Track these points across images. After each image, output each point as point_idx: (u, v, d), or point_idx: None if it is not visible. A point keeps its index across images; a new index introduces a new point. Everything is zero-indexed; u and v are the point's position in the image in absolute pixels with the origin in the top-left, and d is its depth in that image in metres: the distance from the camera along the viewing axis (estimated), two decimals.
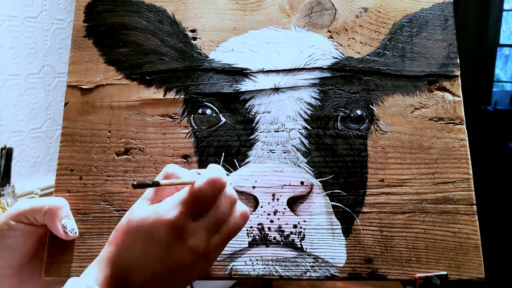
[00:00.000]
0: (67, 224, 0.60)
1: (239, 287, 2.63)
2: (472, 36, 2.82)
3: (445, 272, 0.60)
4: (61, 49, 1.97)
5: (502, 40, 3.21)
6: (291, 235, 0.62)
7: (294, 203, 0.62)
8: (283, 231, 0.62)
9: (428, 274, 0.60)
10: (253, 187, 0.63)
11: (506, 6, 3.14)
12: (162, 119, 0.66)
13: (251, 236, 0.62)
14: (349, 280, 0.62)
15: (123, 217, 0.52)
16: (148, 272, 0.50)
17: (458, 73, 0.67)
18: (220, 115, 0.66)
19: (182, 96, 0.67)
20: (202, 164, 0.64)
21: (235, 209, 0.53)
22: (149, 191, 0.54)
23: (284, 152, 0.64)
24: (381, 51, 0.67)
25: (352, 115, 0.65)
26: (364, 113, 0.65)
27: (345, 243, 0.62)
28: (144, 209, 0.51)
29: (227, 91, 0.66)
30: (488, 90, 3.10)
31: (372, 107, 0.65)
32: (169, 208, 0.50)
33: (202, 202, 0.50)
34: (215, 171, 0.52)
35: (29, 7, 1.84)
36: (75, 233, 0.61)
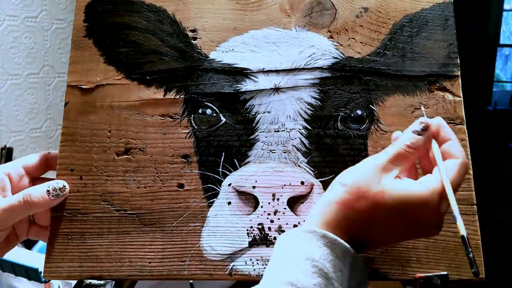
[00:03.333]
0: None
1: (239, 287, 2.62)
2: (472, 36, 2.82)
3: (445, 272, 0.60)
4: (61, 49, 1.97)
5: (502, 40, 3.22)
6: None
7: (294, 203, 0.62)
8: (284, 231, 0.61)
9: (429, 274, 0.60)
10: (253, 187, 0.62)
11: (506, 6, 3.15)
12: (162, 119, 0.66)
13: (251, 236, 0.62)
14: None
15: (359, 179, 0.51)
16: (392, 239, 0.53)
17: (459, 73, 0.67)
18: (220, 115, 0.66)
19: (182, 96, 0.67)
20: (202, 164, 0.64)
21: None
22: (383, 160, 0.52)
23: (284, 152, 0.64)
24: (382, 51, 0.67)
25: (352, 115, 0.65)
26: (365, 113, 0.65)
27: None
28: (402, 184, 0.50)
29: (227, 91, 0.66)
30: (488, 90, 3.11)
31: (372, 107, 0.65)
32: (426, 190, 0.50)
33: (456, 186, 0.51)
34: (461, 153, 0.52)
35: (29, 7, 1.84)
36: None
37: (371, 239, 0.52)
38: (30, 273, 0.90)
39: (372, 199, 0.49)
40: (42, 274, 0.91)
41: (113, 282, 0.61)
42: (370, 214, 0.49)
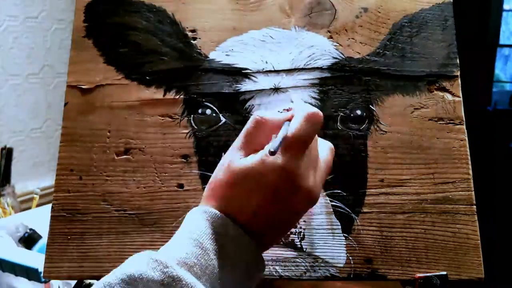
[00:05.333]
0: None
1: None
2: (472, 36, 2.82)
3: (444, 272, 0.60)
4: (61, 49, 1.97)
5: (502, 41, 3.22)
6: (291, 235, 0.61)
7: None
8: None
9: (428, 274, 0.60)
10: None
11: (506, 6, 3.15)
12: (162, 119, 0.66)
13: None
14: (349, 280, 0.62)
15: (218, 172, 0.51)
16: (261, 217, 0.49)
17: (458, 73, 0.67)
18: (220, 115, 0.66)
19: (182, 96, 0.67)
20: (202, 165, 0.64)
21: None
22: (239, 141, 0.52)
23: None
24: (381, 51, 0.67)
25: (352, 115, 0.65)
26: (364, 113, 0.65)
27: (345, 243, 0.62)
28: (248, 159, 0.49)
29: (227, 91, 0.66)
30: (488, 90, 3.11)
31: (372, 107, 0.65)
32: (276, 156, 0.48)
33: (305, 143, 0.49)
34: (307, 107, 0.50)
35: (29, 7, 1.84)
36: None
37: (254, 222, 0.50)
38: (30, 273, 0.90)
39: (223, 182, 0.50)
40: (42, 274, 0.91)
41: None
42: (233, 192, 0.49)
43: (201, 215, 0.48)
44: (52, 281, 0.95)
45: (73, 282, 0.90)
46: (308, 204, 0.51)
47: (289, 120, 0.50)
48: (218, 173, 0.51)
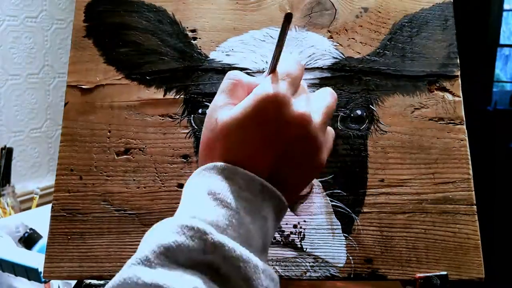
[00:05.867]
0: None
1: None
2: (472, 36, 2.82)
3: (445, 272, 0.60)
4: (61, 49, 1.97)
5: (502, 40, 3.22)
6: (291, 235, 0.61)
7: (294, 203, 0.62)
8: (283, 231, 0.61)
9: (428, 274, 0.60)
10: None
11: (506, 6, 3.15)
12: (162, 119, 0.66)
13: None
14: (349, 280, 0.62)
15: (209, 133, 0.49)
16: (266, 159, 0.47)
17: (458, 73, 0.67)
18: None
19: (182, 96, 0.67)
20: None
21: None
22: (220, 100, 0.50)
23: None
24: (381, 51, 0.67)
25: (352, 115, 0.65)
26: (364, 113, 0.65)
27: (345, 243, 0.62)
28: (237, 106, 0.47)
29: None
30: (488, 90, 3.11)
31: (372, 107, 0.65)
32: (266, 87, 0.47)
33: (295, 79, 0.49)
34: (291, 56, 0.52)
35: (29, 7, 1.84)
36: None
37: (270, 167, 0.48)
38: (30, 273, 0.90)
39: (218, 137, 0.48)
40: (42, 274, 0.92)
41: None
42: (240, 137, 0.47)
43: (213, 171, 0.45)
44: (52, 281, 0.95)
45: (73, 282, 0.90)
46: (305, 137, 0.48)
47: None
48: (210, 133, 0.49)
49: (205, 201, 0.44)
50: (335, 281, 0.66)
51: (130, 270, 0.39)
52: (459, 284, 0.61)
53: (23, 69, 1.84)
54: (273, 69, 0.48)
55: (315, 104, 0.51)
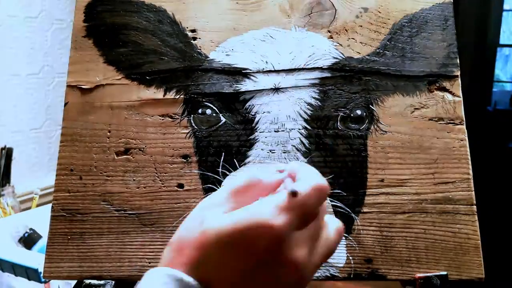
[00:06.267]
0: None
1: None
2: (472, 36, 2.82)
3: (445, 272, 0.60)
4: (61, 49, 1.97)
5: (502, 40, 3.21)
6: None
7: None
8: None
9: (428, 274, 0.60)
10: None
11: (506, 6, 3.14)
12: (162, 119, 0.66)
13: None
14: (349, 280, 0.62)
15: (188, 231, 0.41)
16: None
17: (458, 73, 0.67)
18: (220, 115, 0.66)
19: (182, 96, 0.67)
20: (202, 165, 0.64)
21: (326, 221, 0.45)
22: (219, 196, 0.43)
23: (284, 152, 0.64)
24: (381, 51, 0.67)
25: (352, 115, 0.65)
26: (364, 113, 0.65)
27: (345, 243, 0.62)
28: (233, 216, 0.40)
29: (227, 91, 0.66)
30: (488, 90, 3.10)
31: (372, 107, 0.65)
32: (270, 213, 0.39)
33: (307, 212, 0.41)
34: (316, 176, 0.42)
35: (29, 7, 1.84)
36: None
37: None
38: (30, 273, 0.90)
39: (193, 245, 0.41)
40: (42, 274, 0.92)
41: (113, 282, 0.61)
42: (203, 260, 0.40)
43: (168, 281, 0.40)
44: (52, 281, 0.95)
45: (73, 282, 0.90)
46: (293, 283, 0.41)
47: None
48: (188, 233, 0.41)
49: None
50: (335, 281, 0.66)
51: None
52: (459, 284, 0.61)
53: (23, 69, 1.83)
54: (293, 192, 0.40)
55: (318, 252, 0.43)
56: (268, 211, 0.39)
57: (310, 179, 0.41)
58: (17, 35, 1.80)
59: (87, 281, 0.61)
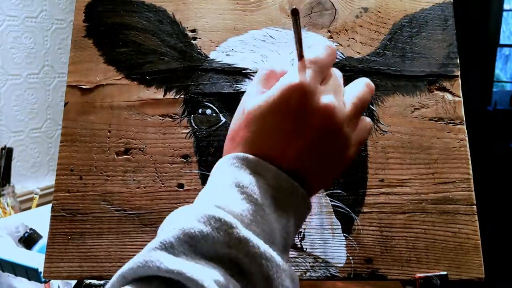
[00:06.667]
0: None
1: None
2: (472, 36, 2.82)
3: (445, 272, 0.60)
4: (61, 49, 1.97)
5: (502, 40, 3.22)
6: None
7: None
8: None
9: (428, 274, 0.60)
10: None
11: (506, 6, 3.15)
12: (162, 119, 0.66)
13: None
14: (349, 280, 0.62)
15: (236, 121, 0.49)
16: (291, 149, 0.46)
17: (458, 73, 0.67)
18: (220, 115, 0.66)
19: (182, 96, 0.66)
20: (202, 164, 0.64)
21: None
22: (252, 88, 0.51)
23: None
24: (381, 51, 0.67)
25: None
26: (364, 113, 0.65)
27: (345, 243, 0.62)
28: (263, 95, 0.47)
29: (227, 91, 0.66)
30: (488, 90, 3.11)
31: (372, 107, 0.65)
32: (292, 76, 0.46)
33: (322, 67, 0.48)
34: (324, 39, 0.52)
35: (29, 7, 1.84)
36: None
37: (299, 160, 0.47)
38: (30, 273, 0.90)
39: (242, 126, 0.48)
40: (42, 274, 0.92)
41: None
42: (269, 126, 0.47)
43: (243, 163, 0.45)
44: (52, 281, 0.95)
45: (73, 282, 0.90)
46: (334, 127, 0.46)
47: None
48: (237, 122, 0.49)
49: (232, 193, 0.43)
50: (335, 281, 0.66)
51: (153, 254, 0.38)
52: (459, 284, 0.61)
53: (23, 69, 1.83)
54: (300, 56, 0.47)
55: (345, 94, 0.49)
56: (292, 75, 0.46)
57: (319, 41, 0.52)
58: (17, 35, 1.80)
59: (87, 281, 0.61)
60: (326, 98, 0.46)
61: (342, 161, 0.49)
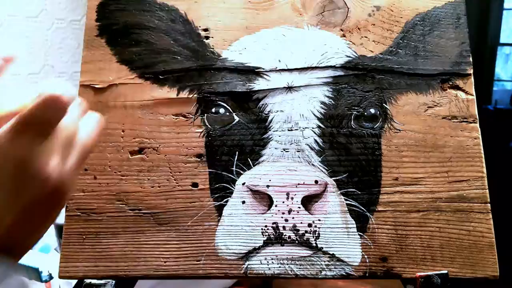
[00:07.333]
0: None
1: (239, 287, 2.62)
2: (472, 36, 2.82)
3: (445, 271, 0.60)
4: (62, 49, 1.96)
5: (503, 39, 3.22)
6: (306, 234, 0.61)
7: (308, 202, 0.62)
8: (298, 230, 0.61)
9: (429, 273, 0.60)
10: (268, 186, 0.62)
11: (506, 5, 3.15)
12: (176, 118, 0.66)
13: (265, 235, 0.62)
14: (364, 279, 0.62)
15: None
16: (4, 219, 0.41)
17: (471, 71, 0.67)
18: (233, 114, 0.66)
19: (195, 95, 0.66)
20: (216, 164, 0.64)
21: (84, 123, 0.45)
22: None
23: (297, 151, 0.64)
24: (394, 49, 0.67)
25: (365, 113, 0.65)
26: (378, 112, 0.65)
27: (360, 241, 0.62)
28: None
29: (240, 90, 0.66)
30: (488, 89, 3.11)
31: (385, 105, 0.65)
32: (5, 138, 0.40)
33: (41, 124, 0.41)
34: (51, 88, 0.41)
35: (30, 7, 1.83)
36: None
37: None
38: (30, 273, 0.89)
39: None
40: (58, 274, 0.91)
41: (113, 282, 0.61)
42: None
43: None
44: (53, 281, 0.94)
45: (74, 282, 0.90)
46: (54, 196, 0.43)
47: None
48: None
49: None
50: (336, 280, 0.66)
51: None
52: (458, 284, 0.61)
53: (23, 68, 1.83)
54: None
55: (73, 157, 0.44)
56: (4, 137, 0.40)
57: (41, 93, 0.40)
58: (17, 34, 1.80)
59: (88, 281, 0.61)
60: (46, 164, 0.41)
61: (54, 216, 0.45)
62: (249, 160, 0.64)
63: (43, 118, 0.41)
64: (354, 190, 0.63)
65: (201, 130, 0.65)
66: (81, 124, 0.45)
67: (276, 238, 0.61)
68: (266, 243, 0.61)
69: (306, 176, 0.63)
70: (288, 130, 0.64)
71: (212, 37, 0.68)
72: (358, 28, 0.68)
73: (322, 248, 0.61)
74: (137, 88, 0.67)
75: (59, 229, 0.93)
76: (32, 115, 0.40)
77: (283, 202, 0.62)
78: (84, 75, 0.67)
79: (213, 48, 0.68)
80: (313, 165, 0.63)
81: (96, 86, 0.67)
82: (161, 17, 0.69)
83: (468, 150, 0.64)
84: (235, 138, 0.65)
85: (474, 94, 0.66)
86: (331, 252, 0.61)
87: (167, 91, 0.66)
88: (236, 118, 0.65)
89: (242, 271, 0.61)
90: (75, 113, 0.44)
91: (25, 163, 0.40)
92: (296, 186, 0.62)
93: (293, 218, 0.62)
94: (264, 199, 0.62)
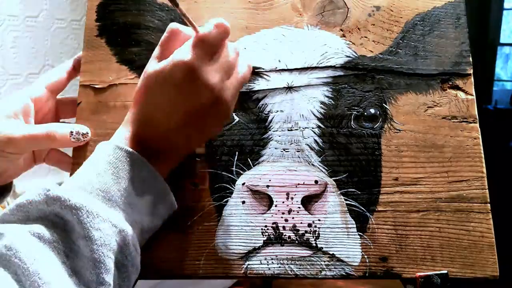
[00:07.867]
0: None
1: (238, 287, 2.62)
2: (472, 35, 2.83)
3: (445, 271, 0.60)
4: (62, 49, 1.97)
5: (503, 39, 3.22)
6: (306, 234, 0.61)
7: (308, 202, 0.62)
8: (298, 230, 0.61)
9: (429, 273, 0.60)
10: (267, 186, 0.62)
11: (506, 5, 3.15)
12: None
13: (265, 235, 0.62)
14: (364, 279, 0.62)
15: (139, 80, 0.57)
16: (171, 119, 0.54)
17: (471, 71, 0.67)
18: (233, 114, 0.66)
19: None
20: (215, 163, 0.64)
21: (239, 59, 0.59)
22: (156, 51, 0.58)
23: (297, 151, 0.64)
24: (394, 49, 0.67)
25: (365, 113, 0.65)
26: (378, 112, 0.65)
27: (360, 241, 0.62)
28: (159, 63, 0.54)
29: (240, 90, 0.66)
30: (488, 89, 3.11)
31: (385, 105, 0.65)
32: (182, 52, 0.53)
33: (212, 45, 0.54)
34: (219, 18, 0.55)
35: (30, 7, 1.83)
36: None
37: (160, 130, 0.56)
38: None
39: (139, 87, 0.56)
40: None
41: None
42: (144, 100, 0.56)
43: (108, 148, 0.55)
44: None
45: None
46: (216, 105, 0.55)
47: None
48: (140, 81, 0.56)
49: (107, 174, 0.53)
50: (336, 280, 0.66)
51: None
52: (458, 284, 0.61)
53: (23, 69, 1.83)
54: (196, 32, 0.54)
55: (232, 75, 0.57)
56: (179, 53, 0.53)
57: (212, 20, 0.55)
58: (18, 34, 1.80)
59: None
60: (209, 78, 0.53)
61: (217, 128, 0.60)
62: (249, 160, 0.64)
63: (214, 39, 0.54)
64: (354, 190, 0.63)
65: None
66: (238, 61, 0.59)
67: (276, 238, 0.61)
68: (266, 243, 0.61)
69: (306, 176, 0.63)
70: (288, 130, 0.64)
71: None
72: (358, 28, 0.68)
73: (322, 248, 0.61)
74: None
75: None
76: (207, 35, 0.53)
77: (283, 202, 0.62)
78: (84, 75, 0.67)
79: None
80: (313, 165, 0.63)
81: (96, 86, 0.67)
82: (161, 17, 0.69)
83: (468, 150, 0.64)
84: (235, 138, 0.65)
85: (474, 94, 0.66)
86: (331, 252, 0.61)
87: None
88: (236, 118, 0.66)
89: (242, 271, 0.61)
90: (233, 49, 0.58)
91: (194, 72, 0.52)
92: (296, 186, 0.62)
93: (293, 218, 0.62)
94: (264, 199, 0.62)
